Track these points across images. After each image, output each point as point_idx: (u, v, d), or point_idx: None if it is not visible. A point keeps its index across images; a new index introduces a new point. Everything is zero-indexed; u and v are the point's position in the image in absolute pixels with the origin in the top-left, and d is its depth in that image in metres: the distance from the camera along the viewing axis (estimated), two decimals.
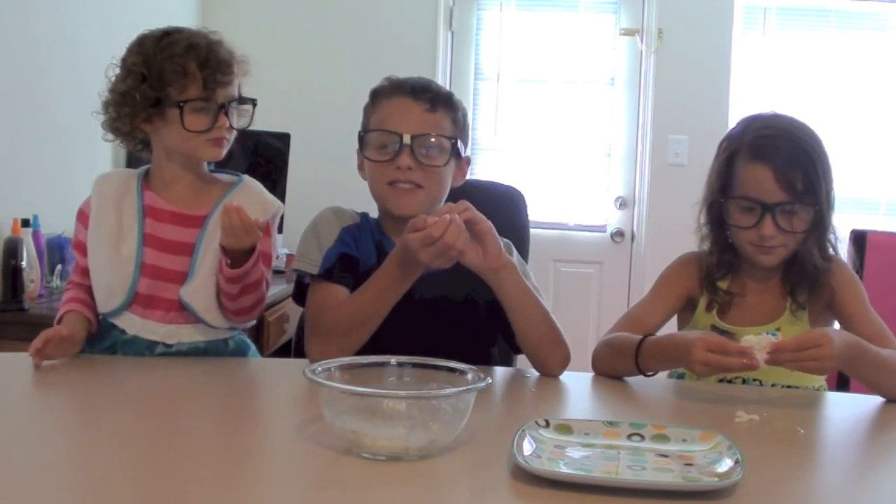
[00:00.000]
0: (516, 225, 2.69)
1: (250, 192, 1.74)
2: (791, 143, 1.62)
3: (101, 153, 3.32)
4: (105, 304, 1.67)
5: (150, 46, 1.63)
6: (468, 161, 1.80)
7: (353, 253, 1.69)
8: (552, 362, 1.65)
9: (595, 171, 4.14)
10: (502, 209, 2.65)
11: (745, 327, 1.69)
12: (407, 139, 1.65)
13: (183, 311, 1.66)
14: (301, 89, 4.04)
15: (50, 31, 3.03)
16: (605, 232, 4.14)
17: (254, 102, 1.71)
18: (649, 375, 1.62)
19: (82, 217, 1.71)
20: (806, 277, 1.67)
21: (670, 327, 1.77)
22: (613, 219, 4.14)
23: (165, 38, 1.62)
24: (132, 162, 3.34)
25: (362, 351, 1.55)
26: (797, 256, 1.67)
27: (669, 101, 3.98)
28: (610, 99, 4.11)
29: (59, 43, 3.07)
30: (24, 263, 2.64)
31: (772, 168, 1.60)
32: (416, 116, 1.68)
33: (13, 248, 2.63)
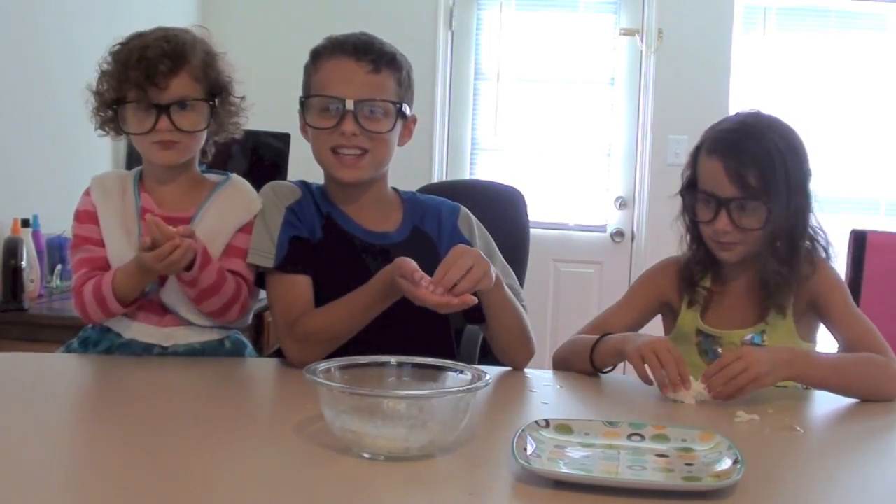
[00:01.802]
0: (516, 225, 2.70)
1: (234, 192, 1.73)
2: (751, 139, 1.61)
3: (101, 153, 3.32)
4: None
5: (112, 50, 1.62)
6: (415, 120, 1.73)
7: (301, 233, 1.66)
8: (518, 360, 1.70)
9: (595, 171, 4.14)
10: (502, 209, 2.67)
11: (732, 330, 1.68)
12: (350, 105, 1.59)
13: (175, 314, 1.66)
14: (301, 89, 4.03)
15: (51, 30, 3.03)
16: (604, 232, 4.14)
17: (212, 103, 1.65)
18: (606, 372, 1.65)
19: (85, 216, 1.68)
20: (769, 286, 1.64)
21: (658, 331, 1.76)
22: (613, 219, 4.14)
23: (125, 44, 1.61)
24: (132, 163, 3.35)
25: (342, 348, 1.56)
26: (760, 262, 1.64)
27: (669, 101, 3.98)
28: (610, 99, 4.11)
29: (60, 43, 3.07)
30: (24, 263, 2.64)
31: (723, 162, 1.60)
32: (359, 79, 1.61)
33: (13, 248, 2.63)
